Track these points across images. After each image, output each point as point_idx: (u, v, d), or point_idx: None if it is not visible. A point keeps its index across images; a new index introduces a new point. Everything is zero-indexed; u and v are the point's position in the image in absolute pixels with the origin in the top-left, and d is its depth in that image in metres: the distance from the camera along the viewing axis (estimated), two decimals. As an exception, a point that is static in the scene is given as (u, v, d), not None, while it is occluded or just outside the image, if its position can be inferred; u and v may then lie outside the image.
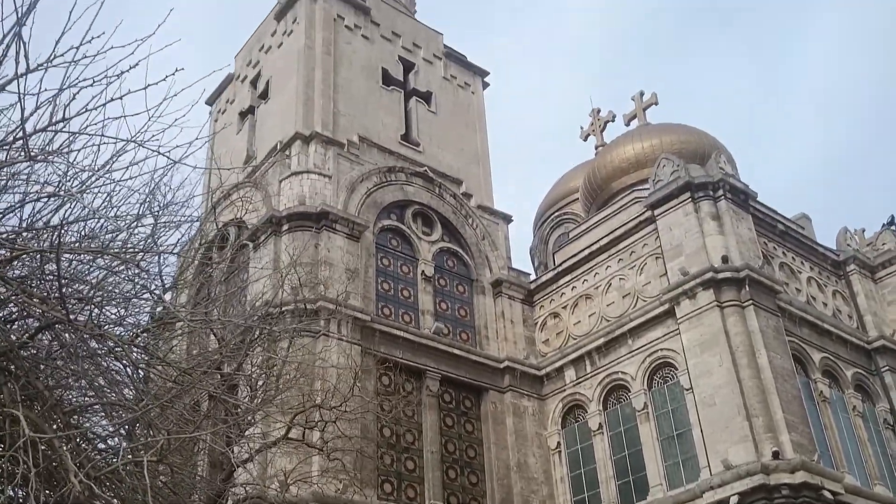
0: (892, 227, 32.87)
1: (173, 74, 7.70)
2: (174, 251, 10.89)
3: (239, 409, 15.32)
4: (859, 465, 24.27)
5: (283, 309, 21.67)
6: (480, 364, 27.02)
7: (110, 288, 8.91)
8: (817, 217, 42.15)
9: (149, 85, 7.48)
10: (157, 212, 11.96)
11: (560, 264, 29.71)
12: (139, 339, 9.78)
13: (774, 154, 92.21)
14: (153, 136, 8.37)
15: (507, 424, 26.47)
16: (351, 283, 24.74)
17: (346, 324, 23.95)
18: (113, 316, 9.33)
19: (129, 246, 9.14)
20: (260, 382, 17.14)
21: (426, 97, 33.16)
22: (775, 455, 20.85)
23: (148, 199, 9.89)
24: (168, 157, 8.27)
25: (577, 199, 39.15)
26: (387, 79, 32.17)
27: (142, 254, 8.96)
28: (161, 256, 12.21)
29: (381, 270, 27.10)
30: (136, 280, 9.31)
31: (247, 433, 16.36)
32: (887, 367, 26.87)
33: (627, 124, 38.71)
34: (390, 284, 27.16)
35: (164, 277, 13.41)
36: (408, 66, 33.30)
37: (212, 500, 15.49)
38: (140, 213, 9.26)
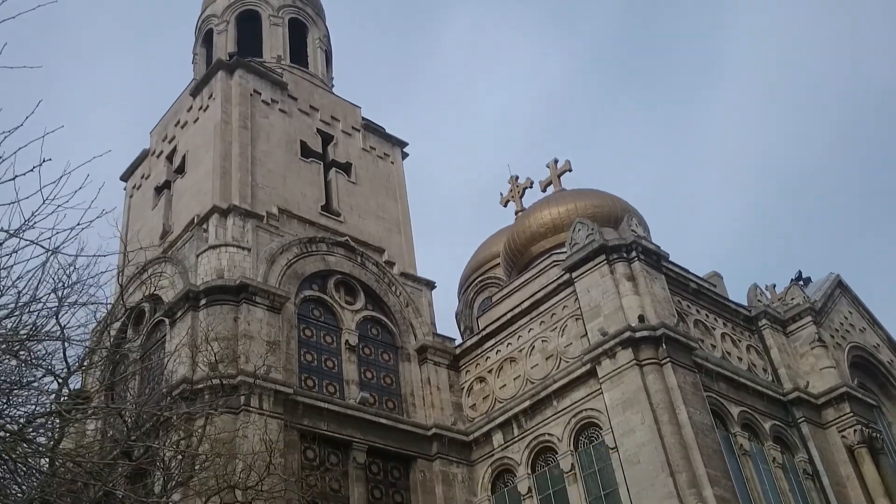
0: (800, 282, 34.31)
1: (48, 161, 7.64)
2: (58, 335, 10.52)
3: (149, 498, 14.78)
4: (782, 515, 24.69)
5: (202, 386, 21.17)
6: (408, 432, 26.73)
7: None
8: (728, 274, 43.75)
9: (35, 167, 7.40)
10: (62, 292, 11.68)
11: (483, 328, 29.90)
12: (30, 428, 9.37)
13: (685, 216, 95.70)
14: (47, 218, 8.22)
15: (436, 493, 26.12)
16: (272, 356, 24.33)
17: (268, 398, 23.46)
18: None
19: (15, 331, 8.85)
20: (174, 464, 16.64)
21: (346, 168, 33.44)
22: (699, 511, 21.07)
23: (35, 284, 9.61)
24: (43, 247, 8.08)
25: (500, 263, 39.71)
26: (306, 151, 32.36)
27: (24, 340, 8.66)
28: (63, 342, 11.90)
29: (303, 342, 26.77)
30: (23, 365, 8.98)
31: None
32: (804, 418, 27.63)
33: (544, 190, 39.74)
34: (313, 355, 26.82)
35: (68, 359, 13.02)
36: (326, 139, 33.61)
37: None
38: (32, 297, 8.99)
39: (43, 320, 10.67)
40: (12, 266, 8.80)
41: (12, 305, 8.82)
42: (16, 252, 8.31)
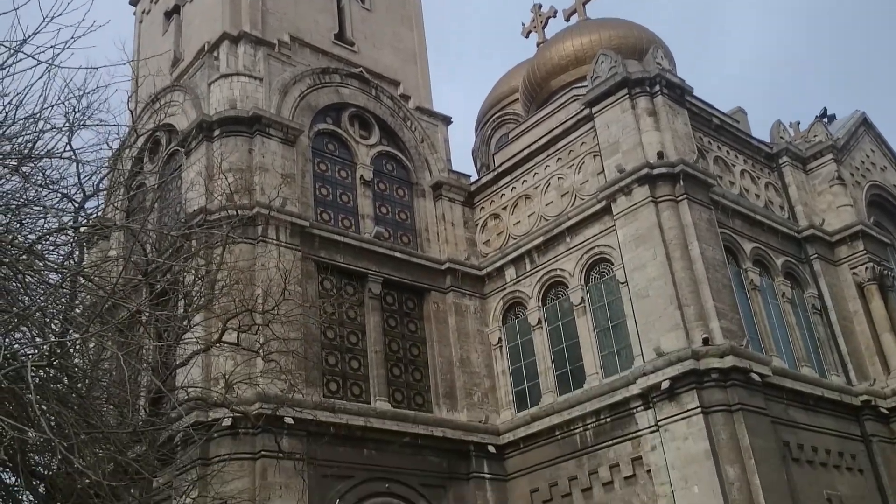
0: (825, 120, 33.50)
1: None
2: (70, 156, 10.45)
3: (171, 318, 15.30)
4: (787, 348, 25.37)
5: (218, 216, 21.38)
6: (422, 266, 27.21)
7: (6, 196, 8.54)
8: (753, 113, 42.75)
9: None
10: (72, 117, 11.51)
11: (499, 165, 29.69)
12: (43, 245, 9.44)
13: (712, 49, 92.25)
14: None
15: (449, 323, 26.92)
16: (287, 189, 24.43)
17: (285, 230, 23.75)
18: (14, 225, 8.96)
19: (28, 151, 8.75)
20: (195, 289, 17.10)
21: (360, -7, 32.10)
22: (705, 341, 21.65)
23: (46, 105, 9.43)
24: (40, 61, 7.82)
25: (519, 98, 38.85)
26: (318, -25, 30.95)
27: (28, 156, 8.56)
28: (77, 163, 11.87)
29: (318, 175, 26.75)
30: (39, 187, 8.95)
31: (184, 338, 16.40)
32: (816, 255, 27.81)
33: (567, 20, 38.21)
34: (328, 189, 26.88)
35: (83, 185, 13.04)
36: (340, -39, 32.06)
37: (154, 401, 15.64)
38: (39, 116, 8.82)
39: (53, 142, 10.60)
40: (21, 89, 8.63)
41: (11, 122, 8.67)
42: (15, 65, 8.07)
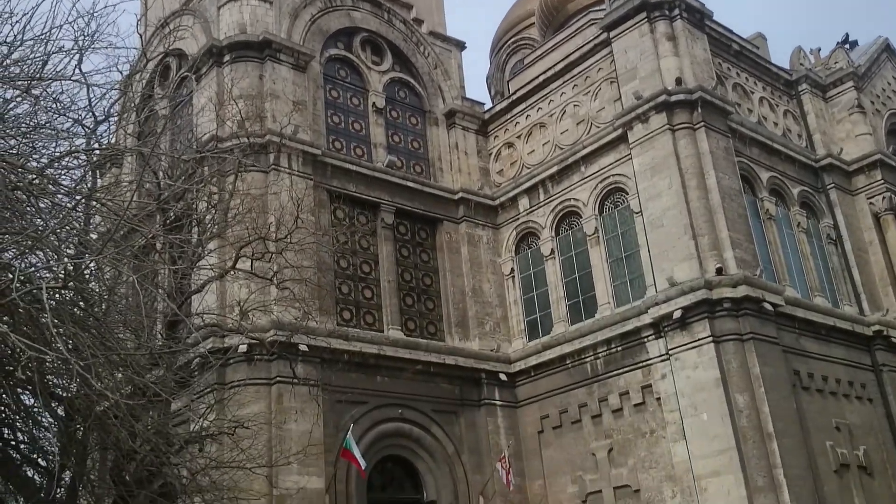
0: (846, 46, 32.64)
1: None
2: (80, 79, 10.28)
3: (185, 245, 15.33)
4: (801, 278, 25.30)
5: (229, 144, 21.24)
6: (435, 196, 27.08)
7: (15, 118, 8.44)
8: (773, 39, 41.65)
9: None
10: (82, 42, 11.31)
11: (514, 92, 29.23)
12: (55, 169, 9.39)
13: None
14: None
15: (462, 253, 26.94)
16: (299, 116, 24.18)
17: (297, 158, 23.61)
18: (25, 148, 8.90)
19: (38, 72, 8.60)
20: (208, 217, 17.09)
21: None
22: (719, 271, 21.59)
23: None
24: None
25: (535, 23, 38.00)
26: None
27: (36, 78, 8.41)
28: (88, 86, 11.71)
29: (330, 103, 26.43)
30: (50, 112, 8.83)
31: (198, 265, 16.47)
32: (833, 185, 27.47)
33: (585, -59, 36.97)
34: (340, 117, 26.60)
35: (94, 110, 12.91)
36: None
37: (170, 325, 15.81)
38: (48, 37, 8.64)
39: (62, 65, 10.43)
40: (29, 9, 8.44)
41: (19, 44, 8.52)
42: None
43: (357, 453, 20.43)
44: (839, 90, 29.32)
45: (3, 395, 10.05)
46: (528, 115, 28.38)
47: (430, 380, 24.22)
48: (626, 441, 22.78)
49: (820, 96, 29.31)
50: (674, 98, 23.38)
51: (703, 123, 23.33)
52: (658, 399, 22.13)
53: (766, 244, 24.47)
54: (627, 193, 24.50)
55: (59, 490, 12.70)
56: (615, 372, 23.29)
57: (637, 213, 23.91)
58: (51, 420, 11.24)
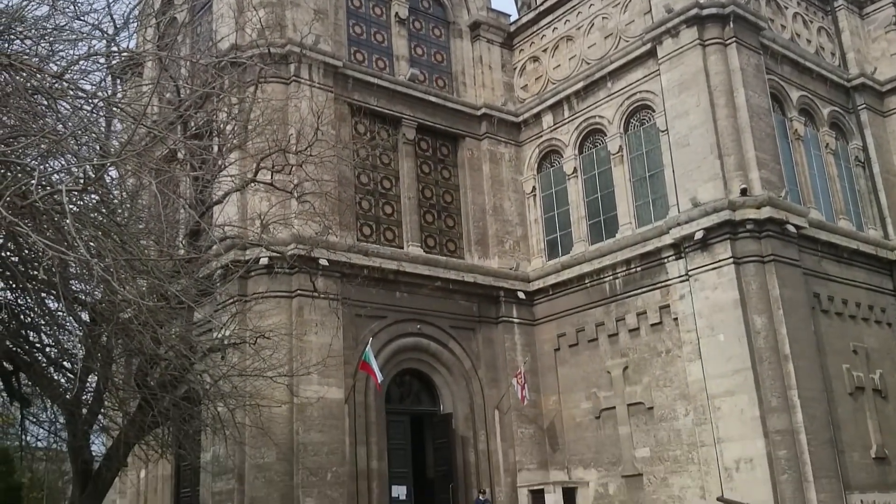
0: (890, -41, 31.22)
1: None
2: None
3: (207, 155, 15.28)
4: (826, 200, 24.92)
5: (249, 53, 20.91)
6: (457, 111, 26.69)
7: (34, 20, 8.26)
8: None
9: None
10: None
11: (541, 3, 28.38)
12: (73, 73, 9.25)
13: None
14: None
15: (483, 170, 26.71)
16: (320, 25, 23.70)
17: (318, 69, 23.24)
18: (43, 51, 8.76)
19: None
20: (228, 128, 16.97)
21: None
22: (743, 192, 21.29)
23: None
24: None
25: (562, -66, 36.60)
26: None
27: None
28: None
29: (351, 12, 25.84)
30: (69, 16, 8.63)
31: (220, 176, 16.46)
32: (864, 105, 26.73)
33: None
34: (362, 28, 26.04)
35: (113, 16, 12.68)
36: None
37: (192, 234, 15.92)
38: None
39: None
40: None
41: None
42: None
43: (375, 366, 20.78)
44: (876, 6, 28.17)
45: (28, 298, 10.21)
46: (555, 28, 27.64)
47: (449, 296, 24.38)
48: (642, 360, 22.97)
49: (856, 13, 28.23)
50: (706, 11, 22.63)
51: (734, 39, 22.62)
52: (675, 319, 22.18)
53: (792, 165, 24.03)
54: (654, 111, 24.01)
55: (84, 393, 13.05)
56: (634, 292, 23.30)
57: (663, 131, 23.47)
58: (75, 324, 11.44)
